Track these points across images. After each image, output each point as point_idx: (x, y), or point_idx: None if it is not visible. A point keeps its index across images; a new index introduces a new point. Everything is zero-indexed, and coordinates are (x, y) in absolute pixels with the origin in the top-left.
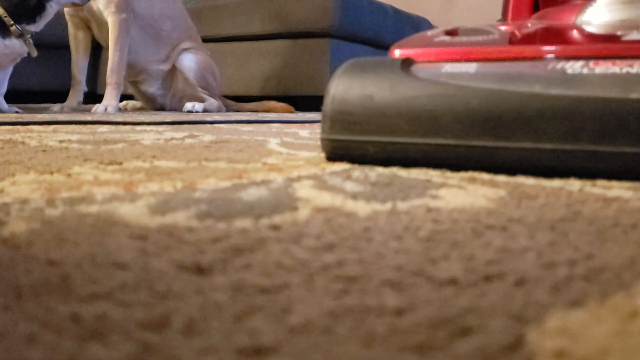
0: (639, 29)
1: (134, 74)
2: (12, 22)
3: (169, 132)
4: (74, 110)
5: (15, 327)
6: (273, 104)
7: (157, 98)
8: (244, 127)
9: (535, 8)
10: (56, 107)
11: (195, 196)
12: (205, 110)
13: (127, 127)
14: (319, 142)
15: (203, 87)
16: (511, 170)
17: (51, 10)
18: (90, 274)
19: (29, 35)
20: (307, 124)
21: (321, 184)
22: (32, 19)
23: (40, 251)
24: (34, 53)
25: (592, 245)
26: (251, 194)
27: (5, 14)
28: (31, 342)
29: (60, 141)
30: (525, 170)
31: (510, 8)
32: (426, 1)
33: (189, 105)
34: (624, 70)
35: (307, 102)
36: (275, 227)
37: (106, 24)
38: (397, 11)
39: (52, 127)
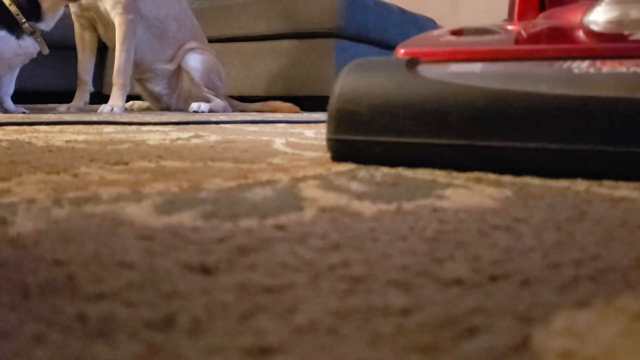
0: None
1: (139, 72)
2: (24, 20)
3: (174, 132)
4: (81, 110)
5: (22, 326)
6: (278, 104)
7: (163, 97)
8: (249, 127)
9: (542, 8)
10: (62, 107)
11: (201, 196)
12: (211, 111)
13: (133, 128)
14: (324, 143)
15: (208, 87)
16: (517, 170)
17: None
18: (97, 274)
19: (40, 33)
20: (312, 124)
21: (326, 184)
22: (41, 17)
23: (47, 251)
24: (46, 51)
25: (599, 245)
26: (256, 194)
27: (18, 12)
28: (38, 341)
29: (67, 141)
30: (531, 170)
31: (516, 8)
32: (432, 1)
33: (194, 106)
34: (631, 69)
35: (313, 102)
36: (280, 227)
37: (112, 24)
38: (402, 11)
39: (58, 127)
